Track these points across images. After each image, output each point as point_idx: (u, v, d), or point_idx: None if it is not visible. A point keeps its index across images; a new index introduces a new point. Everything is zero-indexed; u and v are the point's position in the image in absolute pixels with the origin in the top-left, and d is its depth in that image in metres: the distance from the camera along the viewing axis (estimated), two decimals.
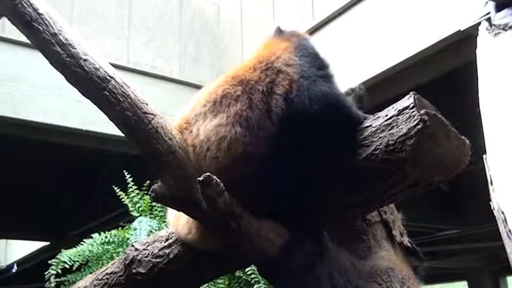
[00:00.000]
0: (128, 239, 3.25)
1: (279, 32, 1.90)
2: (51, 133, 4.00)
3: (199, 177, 1.50)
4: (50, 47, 1.60)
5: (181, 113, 1.76)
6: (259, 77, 1.69)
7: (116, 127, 1.66)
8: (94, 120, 3.86)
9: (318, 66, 1.69)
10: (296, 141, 1.58)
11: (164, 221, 3.22)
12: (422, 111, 1.46)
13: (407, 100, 1.52)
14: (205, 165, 1.61)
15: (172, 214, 1.90)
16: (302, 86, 1.61)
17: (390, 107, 1.57)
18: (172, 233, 1.91)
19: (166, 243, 1.92)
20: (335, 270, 1.64)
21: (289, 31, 1.90)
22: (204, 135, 1.63)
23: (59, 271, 3.19)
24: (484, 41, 2.61)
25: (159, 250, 1.93)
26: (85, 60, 1.61)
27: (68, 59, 1.60)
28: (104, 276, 2.07)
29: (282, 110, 1.61)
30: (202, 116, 1.68)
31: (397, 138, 1.49)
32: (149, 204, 3.49)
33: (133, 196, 3.53)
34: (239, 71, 1.74)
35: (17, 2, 1.57)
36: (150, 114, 1.63)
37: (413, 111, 1.48)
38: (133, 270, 1.94)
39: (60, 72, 1.63)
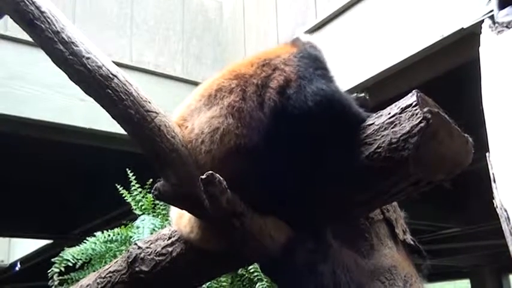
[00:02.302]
0: (130, 237, 3.26)
1: (296, 40, 1.91)
2: (54, 131, 4.00)
3: (202, 175, 1.50)
4: (52, 45, 1.60)
5: (177, 111, 1.77)
6: (255, 72, 1.70)
7: (119, 125, 1.66)
8: (97, 118, 3.87)
9: (316, 67, 1.69)
10: (291, 137, 1.58)
11: (167, 219, 3.22)
12: (425, 109, 1.46)
13: (410, 98, 1.52)
14: (201, 159, 1.62)
15: (174, 212, 1.90)
16: (299, 85, 1.61)
17: (393, 105, 1.57)
18: (175, 231, 1.92)
19: (169, 242, 1.93)
20: (338, 268, 1.64)
21: (304, 40, 1.90)
22: (198, 129, 1.64)
23: (62, 269, 3.20)
24: (487, 39, 2.61)
25: (162, 248, 1.93)
26: (88, 58, 1.61)
27: (70, 57, 1.60)
28: (106, 274, 2.08)
29: (275, 103, 1.62)
30: (198, 110, 1.69)
31: (400, 137, 1.49)
32: (152, 202, 3.49)
33: (136, 194, 3.54)
34: (236, 67, 1.75)
35: (20, 0, 1.57)
36: (153, 112, 1.63)
37: (416, 109, 1.48)
38: (136, 269, 1.94)
39: (63, 70, 1.63)
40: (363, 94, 1.78)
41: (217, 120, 1.62)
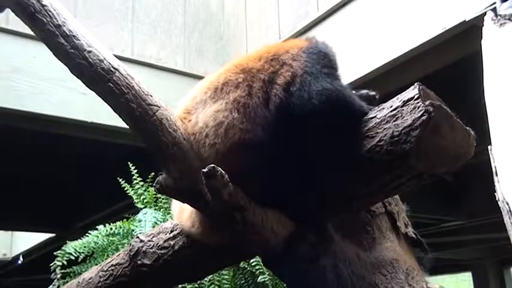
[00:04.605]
0: (133, 230, 3.26)
1: (310, 37, 1.90)
2: (56, 125, 4.00)
3: (204, 168, 1.50)
4: (54, 38, 1.60)
5: (181, 104, 1.77)
6: (262, 66, 1.69)
7: (121, 119, 1.66)
8: (98, 112, 3.87)
9: (323, 65, 1.68)
10: (294, 134, 1.59)
11: (169, 213, 3.22)
12: (427, 102, 1.46)
13: (412, 91, 1.52)
14: (204, 153, 1.62)
15: (176, 207, 1.90)
16: (305, 81, 1.61)
17: (395, 98, 1.57)
18: (177, 225, 1.92)
19: (171, 235, 1.93)
20: (340, 261, 1.64)
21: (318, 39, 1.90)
22: (203, 122, 1.64)
23: (65, 262, 3.20)
24: (489, 32, 2.60)
25: (164, 241, 1.94)
26: (89, 52, 1.61)
27: (72, 50, 1.60)
28: (109, 267, 2.08)
29: (281, 100, 1.62)
30: (203, 103, 1.69)
31: (402, 130, 1.49)
32: (154, 196, 3.49)
33: (138, 188, 3.54)
34: (244, 60, 1.75)
35: None
36: (155, 105, 1.63)
37: (418, 102, 1.48)
38: (139, 262, 1.95)
39: (65, 64, 1.63)
40: (374, 93, 1.77)
41: (223, 114, 1.62)
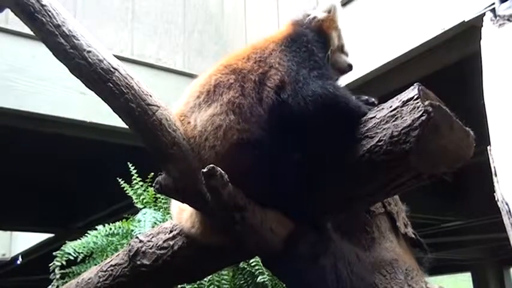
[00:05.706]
0: (132, 230, 3.25)
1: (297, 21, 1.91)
2: (55, 125, 3.99)
3: (204, 168, 1.50)
4: (53, 38, 1.60)
5: (175, 109, 1.77)
6: (252, 67, 1.72)
7: (120, 119, 1.66)
8: (98, 111, 3.86)
9: (311, 67, 1.68)
10: (291, 134, 1.60)
11: (168, 213, 3.22)
12: (426, 103, 1.46)
13: (412, 91, 1.52)
14: (204, 155, 1.62)
15: (175, 207, 1.90)
16: (294, 89, 1.63)
17: (394, 98, 1.57)
18: (177, 225, 1.92)
19: (171, 235, 1.93)
20: (339, 261, 1.64)
21: (306, 20, 1.90)
22: (201, 126, 1.65)
23: (64, 263, 3.20)
24: (489, 32, 2.60)
25: (163, 242, 1.93)
26: (89, 51, 1.61)
27: (71, 50, 1.60)
28: (108, 267, 2.08)
29: (273, 102, 1.63)
30: (197, 107, 1.70)
31: (401, 130, 1.49)
32: (153, 196, 3.49)
33: (138, 188, 3.53)
34: (232, 60, 1.76)
35: None
36: (154, 105, 1.63)
37: (417, 103, 1.48)
38: (138, 262, 1.95)
39: (64, 63, 1.63)
40: (373, 99, 1.77)
41: (219, 117, 1.63)
